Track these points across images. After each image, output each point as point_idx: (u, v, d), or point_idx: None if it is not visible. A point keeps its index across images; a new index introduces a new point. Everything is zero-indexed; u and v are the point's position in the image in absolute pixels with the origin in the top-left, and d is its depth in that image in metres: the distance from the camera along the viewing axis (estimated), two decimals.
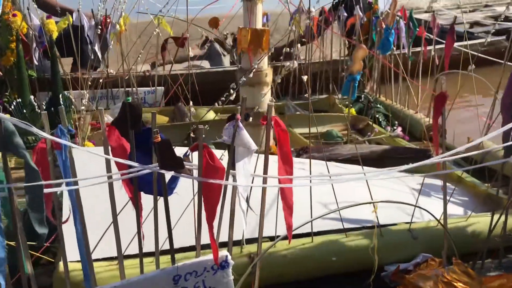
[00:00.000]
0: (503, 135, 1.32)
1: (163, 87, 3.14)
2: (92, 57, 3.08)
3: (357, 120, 2.67)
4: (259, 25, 2.08)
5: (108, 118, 2.73)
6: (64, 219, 1.03)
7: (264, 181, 1.08)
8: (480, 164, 1.58)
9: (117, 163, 0.97)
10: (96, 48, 3.06)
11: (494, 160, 1.92)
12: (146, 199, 1.08)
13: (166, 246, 1.11)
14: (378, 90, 3.19)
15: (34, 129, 0.78)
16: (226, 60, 4.13)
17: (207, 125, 1.72)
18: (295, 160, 1.71)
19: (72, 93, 2.71)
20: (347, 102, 3.08)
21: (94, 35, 3.01)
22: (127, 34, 3.12)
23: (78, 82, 2.83)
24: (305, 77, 1.28)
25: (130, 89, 2.98)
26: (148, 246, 1.10)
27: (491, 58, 2.30)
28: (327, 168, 1.48)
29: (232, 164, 1.00)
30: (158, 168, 0.93)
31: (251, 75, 1.83)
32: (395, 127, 2.66)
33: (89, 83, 2.78)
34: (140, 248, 1.08)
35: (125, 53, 2.95)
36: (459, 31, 3.02)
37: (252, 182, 1.14)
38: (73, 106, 2.47)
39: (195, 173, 0.98)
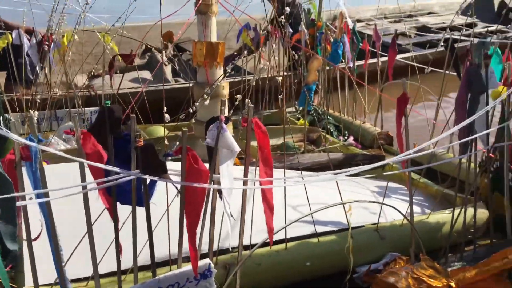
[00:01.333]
0: (459, 132, 1.40)
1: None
2: (31, 76, 2.93)
3: (310, 131, 2.73)
4: (213, 38, 2.08)
5: (56, 140, 2.58)
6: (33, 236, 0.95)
7: (245, 184, 1.06)
8: (434, 163, 1.66)
9: (93, 173, 0.92)
10: (37, 67, 2.92)
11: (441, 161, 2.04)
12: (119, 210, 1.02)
13: (143, 261, 1.06)
14: (326, 103, 3.29)
15: (10, 135, 0.72)
16: (168, 69, 4.07)
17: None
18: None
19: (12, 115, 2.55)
20: (297, 115, 3.16)
21: (35, 53, 2.87)
22: (72, 51, 3.00)
23: (18, 103, 2.67)
24: (279, 78, 1.29)
25: (75, 109, 2.85)
26: (123, 263, 1.04)
27: (433, 69, 2.46)
28: (301, 172, 1.49)
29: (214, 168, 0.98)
30: (140, 173, 0.89)
31: (208, 89, 1.81)
32: (346, 137, 2.74)
33: (29, 103, 2.63)
34: (118, 263, 1.01)
35: (70, 72, 2.83)
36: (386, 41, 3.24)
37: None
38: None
39: (177, 178, 0.95)
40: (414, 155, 1.23)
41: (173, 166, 0.97)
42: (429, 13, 6.64)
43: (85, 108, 2.99)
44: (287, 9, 1.97)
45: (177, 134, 2.53)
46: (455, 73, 2.09)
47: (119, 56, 2.79)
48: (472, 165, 1.74)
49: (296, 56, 3.22)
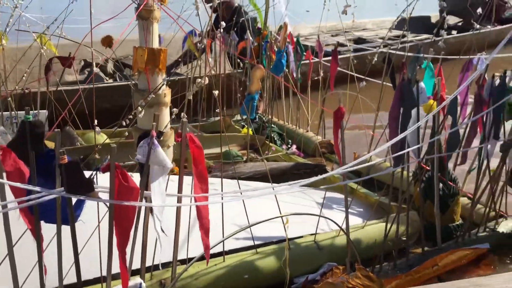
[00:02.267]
0: (392, 146, 1.45)
1: (46, 110, 2.89)
2: None
3: (254, 139, 2.74)
4: (155, 45, 2.04)
5: None
6: None
7: (179, 200, 1.04)
8: (371, 175, 1.71)
9: (13, 191, 0.86)
10: None
11: (380, 171, 2.12)
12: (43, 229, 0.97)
13: (69, 280, 1.01)
14: (271, 111, 3.32)
15: None
16: None
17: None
18: None
19: None
20: (242, 123, 3.16)
21: None
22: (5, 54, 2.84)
23: None
24: (216, 92, 1.28)
25: (8, 113, 2.70)
26: (50, 284, 0.99)
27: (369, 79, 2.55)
28: (238, 186, 1.48)
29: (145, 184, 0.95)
30: (64, 192, 0.85)
31: (151, 96, 1.77)
32: (289, 145, 2.78)
33: None
34: (42, 284, 0.96)
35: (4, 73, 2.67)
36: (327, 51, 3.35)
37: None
38: None
39: (106, 196, 0.91)
40: (350, 169, 1.26)
41: (103, 182, 0.93)
42: (363, 29, 7.03)
43: (18, 112, 2.83)
44: (223, 23, 1.97)
45: (117, 142, 2.46)
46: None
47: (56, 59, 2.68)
48: (406, 173, 1.82)
49: (241, 64, 3.23)
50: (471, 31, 6.94)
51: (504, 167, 1.80)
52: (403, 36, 7.21)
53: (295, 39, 3.02)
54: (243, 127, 3.10)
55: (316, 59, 3.03)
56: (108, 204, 0.91)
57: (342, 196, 2.02)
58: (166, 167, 0.94)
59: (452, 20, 7.31)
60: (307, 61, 3.07)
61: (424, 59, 2.09)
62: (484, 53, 1.98)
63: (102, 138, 2.79)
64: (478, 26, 7.35)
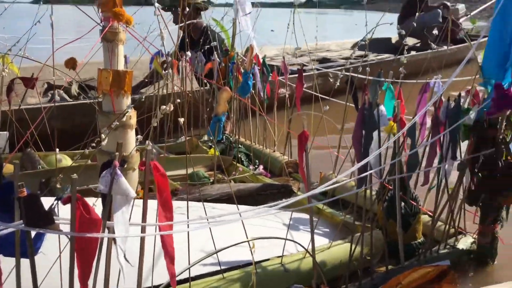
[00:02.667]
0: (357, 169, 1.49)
1: (7, 132, 2.81)
2: None
3: (221, 160, 2.74)
4: (121, 67, 2.03)
5: None
6: None
7: (143, 230, 1.03)
8: (337, 196, 1.74)
9: None
10: None
11: (345, 190, 2.16)
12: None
13: None
14: (238, 132, 3.34)
15: None
16: None
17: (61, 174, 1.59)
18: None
19: None
20: (210, 144, 3.16)
21: None
22: None
23: None
24: (181, 119, 1.28)
25: None
26: None
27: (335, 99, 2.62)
28: (205, 211, 1.48)
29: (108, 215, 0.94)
30: (23, 225, 0.83)
31: (118, 120, 1.75)
32: (256, 166, 2.80)
33: None
34: None
35: None
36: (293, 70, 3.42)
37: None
38: None
39: (67, 227, 0.89)
40: (317, 191, 1.28)
41: (64, 212, 0.92)
42: (327, 50, 7.28)
43: None
44: (189, 53, 2.00)
45: (80, 164, 2.42)
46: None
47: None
48: (369, 192, 1.86)
49: (208, 85, 3.25)
50: (429, 51, 7.31)
51: (462, 186, 1.87)
52: (365, 56, 7.51)
53: (261, 60, 3.07)
54: (210, 147, 3.10)
55: (282, 80, 3.09)
56: (69, 236, 0.89)
57: (308, 216, 2.05)
58: (129, 196, 0.93)
59: (410, 41, 7.64)
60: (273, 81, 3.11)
61: (384, 82, 2.17)
62: (440, 75, 2.06)
63: (65, 160, 2.73)
64: (435, 46, 7.76)
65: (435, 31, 7.75)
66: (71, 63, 2.09)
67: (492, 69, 1.65)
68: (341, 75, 2.21)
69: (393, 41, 8.39)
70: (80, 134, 2.50)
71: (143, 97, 2.88)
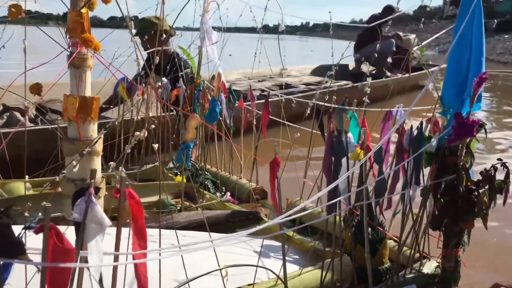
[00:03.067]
0: (328, 194, 1.52)
1: None
2: None
3: (187, 187, 2.71)
4: (88, 93, 1.99)
5: None
6: None
7: (116, 259, 1.00)
8: (307, 223, 1.76)
9: None
10: None
11: (313, 217, 2.18)
12: None
13: None
14: (204, 159, 3.33)
15: None
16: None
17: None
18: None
19: None
20: (176, 171, 3.13)
21: None
22: None
23: None
24: (156, 146, 1.27)
25: None
26: None
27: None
28: (177, 239, 1.45)
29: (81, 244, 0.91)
30: None
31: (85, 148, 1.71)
32: (223, 193, 2.78)
33: None
34: None
35: None
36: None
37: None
38: None
39: (37, 257, 0.86)
40: (288, 218, 1.29)
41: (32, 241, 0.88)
42: (288, 75, 7.49)
43: None
44: (165, 79, 2.00)
45: (46, 192, 2.33)
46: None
47: None
48: (338, 219, 1.89)
49: (174, 112, 3.24)
50: (384, 78, 7.68)
51: (425, 211, 1.93)
52: (325, 82, 7.77)
53: (227, 88, 3.11)
54: (176, 174, 3.07)
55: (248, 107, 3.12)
56: (40, 266, 0.86)
57: (278, 244, 2.06)
58: (104, 225, 0.91)
59: (366, 68, 7.99)
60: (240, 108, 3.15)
61: (349, 110, 2.24)
62: (402, 104, 2.15)
63: (23, 187, 2.62)
64: (389, 74, 8.13)
65: (389, 59, 8.16)
66: (36, 89, 2.03)
67: (451, 98, 1.74)
68: (311, 104, 2.26)
69: (350, 67, 8.73)
70: (37, 160, 2.43)
71: (116, 122, 2.84)
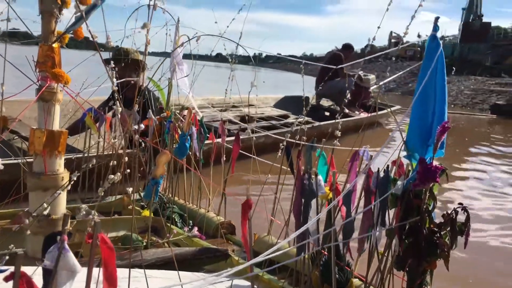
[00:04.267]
0: (297, 236, 1.54)
1: None
2: None
3: (154, 221, 2.67)
4: (56, 126, 1.96)
5: None
6: None
7: None
8: (279, 263, 1.76)
9: None
10: None
11: (284, 256, 2.19)
12: None
13: None
14: (173, 191, 3.30)
15: None
16: None
17: None
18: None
19: None
20: (142, 203, 3.08)
21: None
22: None
23: None
24: (114, 177, 1.26)
25: None
26: None
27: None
28: (146, 279, 1.42)
29: None
30: None
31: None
32: (191, 227, 2.76)
33: None
34: None
35: None
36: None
37: None
38: None
39: None
40: (260, 259, 1.30)
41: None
42: (250, 105, 7.63)
43: None
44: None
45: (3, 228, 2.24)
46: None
47: None
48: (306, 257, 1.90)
49: (143, 144, 3.22)
50: (339, 115, 7.91)
51: (390, 251, 1.98)
52: (286, 116, 7.92)
53: (199, 120, 3.12)
54: (142, 207, 3.01)
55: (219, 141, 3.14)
56: None
57: (247, 283, 2.04)
58: (75, 271, 0.89)
59: (326, 103, 8.25)
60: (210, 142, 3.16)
61: (317, 148, 2.30)
62: (368, 146, 2.23)
63: None
64: (347, 110, 8.40)
65: (349, 96, 8.45)
66: (2, 122, 1.99)
67: (415, 144, 1.82)
68: (284, 141, 2.31)
69: (311, 100, 8.96)
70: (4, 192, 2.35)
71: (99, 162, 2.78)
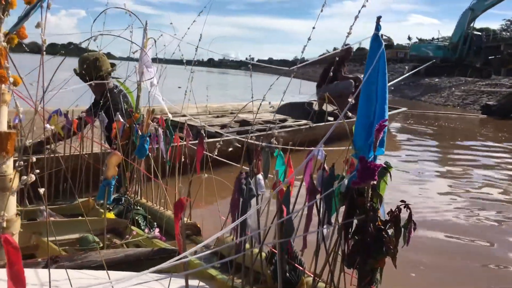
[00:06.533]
0: (235, 232, 1.54)
1: None
2: None
3: (116, 223, 2.67)
4: (3, 128, 1.96)
5: None
6: None
7: None
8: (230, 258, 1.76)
9: None
10: None
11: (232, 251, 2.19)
12: None
13: None
14: (140, 193, 3.30)
15: None
16: None
17: None
18: (40, 272, 1.60)
19: None
20: (108, 205, 3.07)
21: None
22: None
23: None
24: (41, 190, 1.26)
25: None
26: None
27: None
28: (69, 281, 1.42)
29: None
30: None
31: None
32: (153, 229, 2.76)
33: None
34: None
35: None
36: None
37: None
38: None
39: None
40: (189, 252, 1.30)
41: None
42: (249, 111, 7.63)
43: None
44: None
45: None
46: None
47: None
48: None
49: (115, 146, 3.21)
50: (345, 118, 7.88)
51: (340, 248, 1.99)
52: (285, 120, 7.92)
53: (165, 121, 3.13)
54: (109, 210, 3.01)
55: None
56: None
57: (203, 285, 2.04)
58: None
59: (329, 108, 8.20)
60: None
61: (275, 149, 2.31)
62: (323, 145, 2.23)
63: None
64: (350, 114, 8.40)
65: (351, 100, 8.43)
66: None
67: (360, 142, 1.83)
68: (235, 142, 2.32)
69: (315, 106, 8.97)
70: None
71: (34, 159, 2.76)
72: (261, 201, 1.67)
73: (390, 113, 9.51)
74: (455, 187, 5.61)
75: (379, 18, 1.82)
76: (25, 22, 1.78)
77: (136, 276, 1.23)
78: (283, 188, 1.81)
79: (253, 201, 1.63)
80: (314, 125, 6.98)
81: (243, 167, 2.58)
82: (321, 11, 2.13)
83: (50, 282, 1.27)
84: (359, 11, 2.17)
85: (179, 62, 3.31)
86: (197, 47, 2.58)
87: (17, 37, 1.81)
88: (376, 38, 1.79)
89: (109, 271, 1.77)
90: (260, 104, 2.66)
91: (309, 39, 2.08)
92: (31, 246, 2.28)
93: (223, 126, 6.96)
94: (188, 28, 2.76)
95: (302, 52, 2.15)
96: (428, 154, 7.93)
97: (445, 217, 4.39)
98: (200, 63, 3.50)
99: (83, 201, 3.05)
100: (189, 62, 3.07)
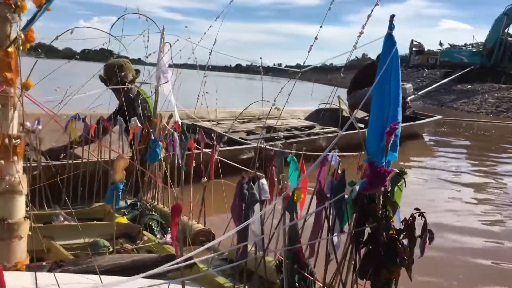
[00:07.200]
0: (238, 237, 1.49)
1: None
2: None
3: (129, 228, 2.66)
4: (13, 131, 1.97)
5: None
6: None
7: None
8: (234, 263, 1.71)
9: None
10: None
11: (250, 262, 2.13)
12: None
13: None
14: (157, 197, 3.28)
15: None
16: None
17: None
18: (44, 276, 1.58)
19: None
20: (123, 210, 3.07)
21: None
22: None
23: None
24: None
25: None
26: None
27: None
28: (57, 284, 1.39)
29: None
30: None
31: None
32: (166, 234, 2.72)
33: None
34: None
35: None
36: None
37: None
38: None
39: None
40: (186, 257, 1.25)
41: None
42: (276, 117, 7.54)
43: None
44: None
45: None
46: None
47: None
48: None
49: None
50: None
51: (352, 258, 1.89)
52: (312, 127, 7.77)
53: (181, 127, 3.10)
54: (124, 214, 3.01)
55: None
56: None
57: None
58: None
59: (360, 114, 7.98)
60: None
61: (289, 154, 2.24)
62: (337, 150, 2.15)
63: None
64: None
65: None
66: None
67: (373, 148, 1.75)
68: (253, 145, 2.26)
69: (345, 114, 8.76)
70: None
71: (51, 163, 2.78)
72: (265, 206, 1.61)
73: (424, 121, 9.24)
74: (487, 196, 5.39)
75: (392, 16, 1.74)
76: (33, 25, 1.79)
77: (127, 280, 1.19)
78: (289, 194, 1.75)
79: (257, 206, 1.57)
80: (345, 132, 6.80)
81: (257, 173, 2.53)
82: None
83: (36, 285, 1.24)
84: (372, 10, 2.11)
85: (205, 67, 3.28)
86: (219, 53, 2.55)
87: (25, 40, 1.82)
88: (389, 38, 1.71)
89: (102, 276, 1.74)
90: (282, 109, 2.59)
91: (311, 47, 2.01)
92: (41, 249, 2.29)
93: (248, 132, 6.92)
94: (205, 32, 2.73)
95: (308, 53, 2.08)
96: (462, 162, 7.70)
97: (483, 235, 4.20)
98: (227, 68, 3.46)
99: (99, 205, 3.06)
100: (213, 68, 3.04)
